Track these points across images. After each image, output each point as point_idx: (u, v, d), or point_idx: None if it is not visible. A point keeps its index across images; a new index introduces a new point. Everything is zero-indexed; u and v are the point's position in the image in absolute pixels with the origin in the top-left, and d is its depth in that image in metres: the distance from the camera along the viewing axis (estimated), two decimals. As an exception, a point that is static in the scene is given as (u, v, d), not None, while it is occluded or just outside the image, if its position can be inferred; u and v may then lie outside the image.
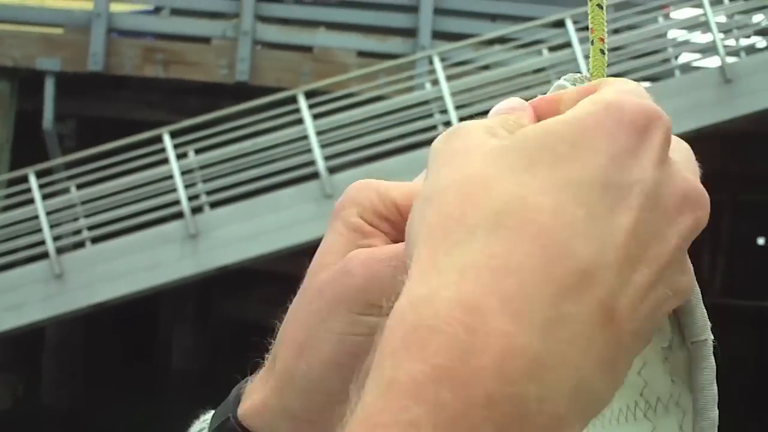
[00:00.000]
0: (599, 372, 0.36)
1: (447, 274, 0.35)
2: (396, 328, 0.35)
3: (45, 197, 8.99)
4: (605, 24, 0.52)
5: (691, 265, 0.42)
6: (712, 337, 0.49)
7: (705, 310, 0.49)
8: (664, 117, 0.40)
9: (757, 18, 10.21)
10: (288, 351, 0.56)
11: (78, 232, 9.07)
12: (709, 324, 0.49)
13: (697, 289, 0.48)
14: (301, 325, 0.55)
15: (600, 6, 0.51)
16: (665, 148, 0.39)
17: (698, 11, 9.59)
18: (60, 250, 8.89)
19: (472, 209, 0.36)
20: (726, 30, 9.81)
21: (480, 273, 0.35)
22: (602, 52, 0.51)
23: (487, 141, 0.39)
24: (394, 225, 0.54)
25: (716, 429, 0.48)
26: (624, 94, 0.40)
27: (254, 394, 0.59)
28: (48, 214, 8.90)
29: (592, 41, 0.52)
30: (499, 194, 0.36)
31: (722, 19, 9.82)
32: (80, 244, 9.02)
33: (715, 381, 0.48)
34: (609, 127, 0.38)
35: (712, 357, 0.49)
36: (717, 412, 0.47)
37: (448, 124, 8.87)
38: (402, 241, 0.48)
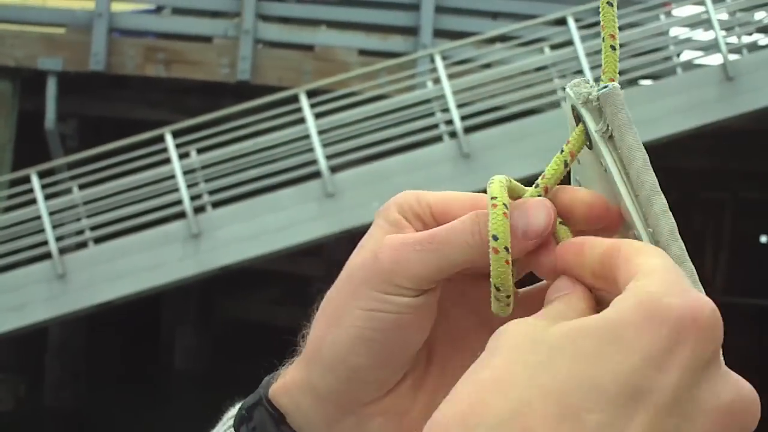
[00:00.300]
0: None
1: None
2: None
3: (47, 197, 9.00)
4: (616, 21, 0.53)
5: None
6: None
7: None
8: (702, 319, 0.39)
9: (759, 15, 10.20)
10: (317, 328, 0.60)
11: (80, 232, 9.07)
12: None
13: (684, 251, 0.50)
14: (332, 304, 0.59)
15: (610, 3, 0.52)
16: (700, 352, 0.38)
17: (700, 9, 9.58)
18: (63, 251, 8.90)
19: (480, 411, 0.38)
20: (728, 27, 9.80)
21: None
22: (613, 48, 0.52)
23: (528, 336, 0.41)
24: (425, 225, 0.58)
25: None
26: (661, 289, 0.40)
27: (285, 376, 0.63)
28: (50, 214, 8.91)
29: (603, 38, 0.53)
30: (508, 401, 0.38)
31: (724, 16, 9.81)
32: (83, 245, 9.02)
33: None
34: (637, 330, 0.38)
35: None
36: None
37: (449, 122, 8.87)
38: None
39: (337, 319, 0.58)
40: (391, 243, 0.56)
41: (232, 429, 0.66)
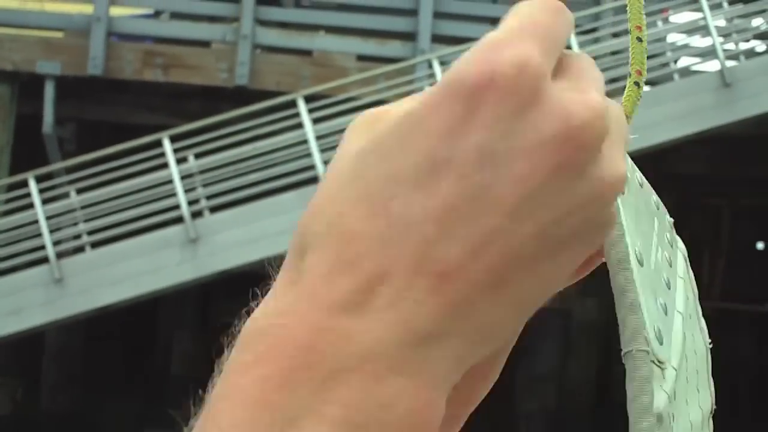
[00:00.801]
0: (437, 314, 0.36)
1: (276, 299, 0.38)
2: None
3: (45, 202, 8.99)
4: (643, 12, 0.52)
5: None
6: (646, 348, 0.48)
7: (644, 318, 0.48)
8: (501, 75, 0.36)
9: (756, 22, 10.22)
10: None
11: (78, 236, 9.07)
12: (642, 334, 0.48)
13: (631, 297, 0.48)
14: None
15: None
16: (506, 104, 0.36)
17: (697, 15, 9.60)
18: (60, 255, 8.89)
19: (306, 230, 0.40)
20: (725, 34, 9.82)
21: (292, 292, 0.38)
22: (639, 40, 0.51)
23: (353, 144, 0.40)
24: None
25: None
26: (466, 58, 0.38)
27: None
28: (48, 218, 8.90)
29: (630, 30, 0.51)
30: (326, 215, 0.39)
31: (721, 23, 9.83)
32: (80, 249, 9.02)
33: (646, 393, 0.47)
34: (433, 110, 0.37)
35: (643, 368, 0.48)
36: (650, 421, 0.46)
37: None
38: None
39: None
40: None
41: None
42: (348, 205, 0.38)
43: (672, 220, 0.57)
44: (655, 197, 0.55)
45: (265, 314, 0.38)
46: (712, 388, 0.57)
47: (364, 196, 0.37)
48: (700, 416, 0.55)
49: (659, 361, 0.49)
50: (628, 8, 0.51)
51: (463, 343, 0.37)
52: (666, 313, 0.51)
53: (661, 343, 0.50)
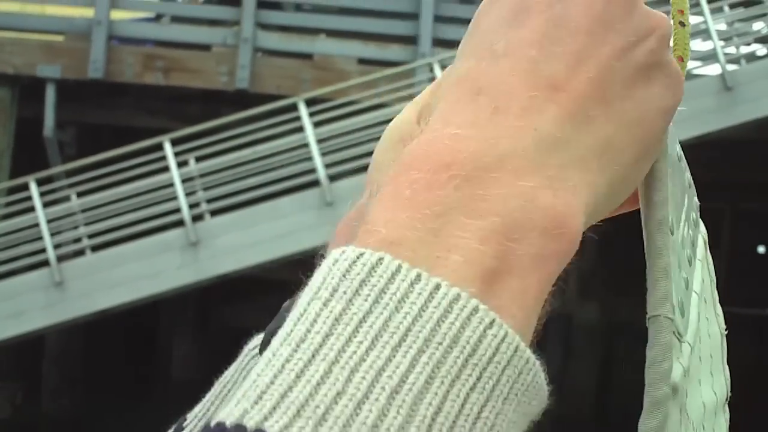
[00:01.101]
0: (559, 123, 0.43)
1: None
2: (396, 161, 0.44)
3: (45, 205, 8.99)
4: None
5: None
6: (671, 315, 0.50)
7: (672, 286, 0.50)
8: None
9: (758, 26, 10.22)
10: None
11: (78, 240, 9.07)
12: (669, 300, 0.50)
13: (666, 261, 0.50)
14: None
15: None
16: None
17: (698, 19, 9.60)
18: (60, 258, 8.89)
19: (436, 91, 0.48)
20: (726, 38, 9.83)
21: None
22: (682, 24, 0.54)
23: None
24: None
25: (662, 407, 0.48)
26: None
27: None
28: (49, 222, 8.90)
29: (672, 14, 0.54)
30: (450, 73, 0.48)
31: (722, 26, 9.83)
32: (80, 252, 9.01)
33: (667, 360, 0.49)
34: None
35: (666, 334, 0.49)
36: (665, 390, 0.48)
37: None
38: None
39: None
40: None
41: (258, 356, 0.67)
42: (463, 59, 0.47)
43: (699, 203, 0.59)
44: (688, 174, 0.57)
45: (411, 144, 0.44)
46: (728, 375, 0.58)
47: (472, 49, 0.47)
48: (714, 400, 0.55)
49: (678, 333, 0.50)
50: None
51: (587, 151, 0.44)
52: (687, 288, 0.52)
53: (682, 316, 0.51)
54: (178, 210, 8.82)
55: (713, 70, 9.58)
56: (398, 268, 0.39)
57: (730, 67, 9.39)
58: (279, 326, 0.64)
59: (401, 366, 0.37)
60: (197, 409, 0.77)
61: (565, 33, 0.45)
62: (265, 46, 10.51)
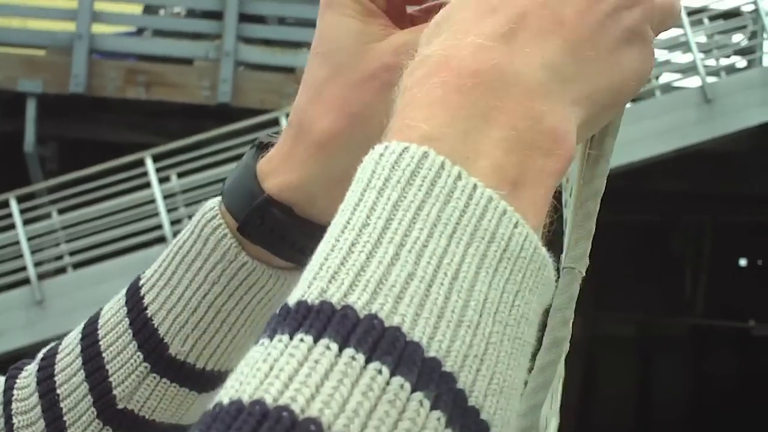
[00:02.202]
0: (562, 55, 0.48)
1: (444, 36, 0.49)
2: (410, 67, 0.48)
3: (26, 222, 8.94)
4: None
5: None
6: (583, 271, 0.57)
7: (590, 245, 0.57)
8: None
9: (737, 38, 10.30)
10: (328, 114, 0.67)
11: (59, 257, 9.01)
12: (586, 258, 0.57)
13: (592, 226, 0.57)
14: (340, 93, 0.67)
15: None
16: None
17: (678, 31, 9.66)
18: (41, 276, 8.83)
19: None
20: (706, 50, 9.89)
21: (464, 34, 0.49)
22: None
23: None
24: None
25: (560, 345, 0.55)
26: None
27: (282, 173, 0.68)
28: (29, 239, 8.85)
29: None
30: None
31: (702, 39, 9.90)
32: (62, 270, 8.96)
33: (570, 308, 0.56)
34: None
35: (576, 286, 0.57)
36: (565, 333, 0.55)
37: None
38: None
39: (352, 101, 0.66)
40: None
41: (227, 232, 0.71)
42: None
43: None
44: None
45: (426, 50, 0.48)
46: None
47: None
48: None
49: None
50: None
51: (580, 85, 0.49)
52: None
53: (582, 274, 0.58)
54: (160, 226, 8.79)
55: (693, 82, 9.64)
56: (443, 164, 0.43)
57: (710, 79, 9.45)
58: (246, 193, 0.69)
59: (456, 255, 0.41)
60: (149, 273, 0.79)
61: None
62: (247, 60, 10.51)
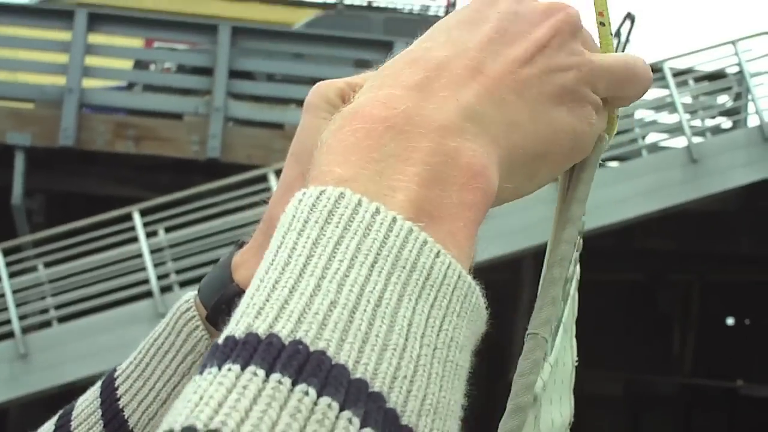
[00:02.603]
0: (479, 99, 0.51)
1: (373, 90, 0.51)
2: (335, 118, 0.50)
3: (12, 275, 8.89)
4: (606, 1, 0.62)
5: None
6: (548, 336, 0.57)
7: (556, 311, 0.57)
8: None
9: (722, 99, 10.40)
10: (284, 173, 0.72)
11: (45, 311, 8.95)
12: (551, 324, 0.58)
13: (557, 292, 0.58)
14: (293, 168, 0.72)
15: None
16: (567, 23, 0.56)
17: (664, 92, 9.76)
18: (26, 330, 8.76)
19: (406, 57, 0.54)
20: (692, 111, 9.98)
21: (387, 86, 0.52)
22: (602, 24, 0.61)
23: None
24: None
25: (522, 412, 0.56)
26: None
27: (252, 264, 0.72)
28: (14, 292, 8.79)
29: (595, 16, 0.62)
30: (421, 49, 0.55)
31: (688, 100, 10.00)
32: (47, 323, 8.90)
33: (534, 373, 0.56)
34: None
35: (539, 352, 0.57)
36: (528, 398, 0.56)
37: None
38: None
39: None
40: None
41: (199, 323, 0.75)
42: (419, 44, 0.55)
43: (581, 244, 0.64)
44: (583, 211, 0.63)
45: (348, 105, 0.51)
46: (572, 403, 0.65)
47: (430, 35, 0.55)
48: (560, 422, 0.62)
49: (546, 353, 0.58)
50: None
51: (499, 127, 0.51)
52: (560, 317, 0.60)
53: (553, 340, 0.59)
54: (146, 281, 8.75)
55: (679, 142, 9.71)
56: (360, 201, 0.45)
57: (696, 139, 9.52)
58: (218, 283, 0.74)
59: (378, 283, 0.43)
60: (124, 365, 0.82)
61: (508, 43, 0.53)
62: (236, 116, 10.55)
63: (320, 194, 0.45)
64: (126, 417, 0.78)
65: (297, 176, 0.72)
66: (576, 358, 0.65)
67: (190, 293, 0.79)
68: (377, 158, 0.47)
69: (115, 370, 0.81)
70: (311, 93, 0.72)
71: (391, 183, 0.46)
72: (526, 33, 0.54)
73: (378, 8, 16.83)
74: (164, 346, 0.78)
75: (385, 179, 0.46)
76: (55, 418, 0.84)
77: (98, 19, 10.60)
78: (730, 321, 16.87)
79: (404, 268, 0.44)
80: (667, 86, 9.58)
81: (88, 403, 0.82)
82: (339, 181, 0.46)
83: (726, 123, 10.39)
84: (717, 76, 10.18)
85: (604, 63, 0.58)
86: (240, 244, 0.79)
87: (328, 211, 0.44)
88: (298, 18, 15.37)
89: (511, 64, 0.53)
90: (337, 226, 0.44)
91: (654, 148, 9.90)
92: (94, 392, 0.83)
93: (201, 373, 0.39)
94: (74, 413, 0.81)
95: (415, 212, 0.46)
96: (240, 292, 0.70)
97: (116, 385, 0.80)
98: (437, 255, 0.45)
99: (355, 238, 0.44)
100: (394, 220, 0.45)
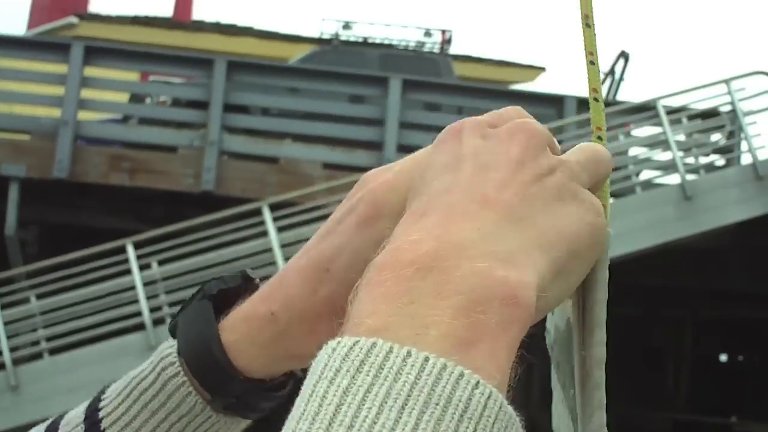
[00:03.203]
0: (495, 222, 0.53)
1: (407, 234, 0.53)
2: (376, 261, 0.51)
3: (4, 307, 8.86)
4: (599, 77, 0.63)
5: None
6: None
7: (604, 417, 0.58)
8: (468, 121, 0.61)
9: (715, 137, 10.46)
10: (305, 271, 0.72)
11: (36, 342, 8.91)
12: (603, 429, 0.58)
13: (602, 394, 0.58)
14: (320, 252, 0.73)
15: (588, 25, 0.63)
16: (477, 129, 0.60)
17: (658, 129, 9.81)
18: (17, 362, 8.72)
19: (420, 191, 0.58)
20: (685, 148, 10.03)
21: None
22: (592, 63, 0.62)
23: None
24: None
25: None
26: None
27: (243, 329, 0.73)
28: (6, 324, 8.75)
29: (589, 92, 0.63)
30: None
31: (681, 137, 10.05)
32: (38, 355, 8.85)
33: None
34: (441, 138, 0.61)
35: None
36: None
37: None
38: None
39: (330, 255, 0.71)
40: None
41: (191, 390, 0.76)
42: (413, 200, 0.57)
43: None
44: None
45: (377, 256, 0.52)
46: None
47: (416, 191, 0.58)
48: None
49: None
50: (583, 40, 0.63)
51: (526, 243, 0.53)
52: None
53: None
54: (139, 314, 8.72)
55: (673, 179, 9.75)
56: (391, 348, 0.46)
57: (690, 177, 9.56)
58: (195, 333, 0.75)
59: (408, 424, 0.43)
60: (110, 407, 0.82)
61: (491, 169, 0.56)
62: (231, 149, 10.57)
63: (354, 345, 0.46)
64: None
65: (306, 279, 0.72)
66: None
67: (170, 348, 0.81)
68: (408, 301, 0.48)
69: (99, 400, 0.81)
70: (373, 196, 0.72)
71: (425, 321, 0.47)
72: (503, 156, 0.57)
73: (373, 44, 16.95)
74: (154, 402, 0.78)
75: (419, 319, 0.47)
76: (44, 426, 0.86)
77: (94, 53, 10.65)
78: (723, 357, 16.85)
79: (437, 405, 0.44)
80: (660, 124, 9.63)
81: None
82: (371, 332, 0.47)
83: (719, 161, 10.44)
84: (710, 114, 10.24)
85: (578, 158, 0.61)
86: (211, 297, 0.79)
87: (360, 360, 0.45)
88: (294, 53, 15.46)
89: (507, 185, 0.55)
90: (368, 374, 0.45)
91: (648, 185, 9.93)
92: (78, 417, 0.82)
93: None
94: None
95: (451, 344, 0.47)
96: (233, 375, 0.73)
97: (102, 427, 0.80)
98: (476, 386, 0.45)
99: (385, 383, 0.44)
100: (426, 359, 0.45)
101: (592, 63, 0.62)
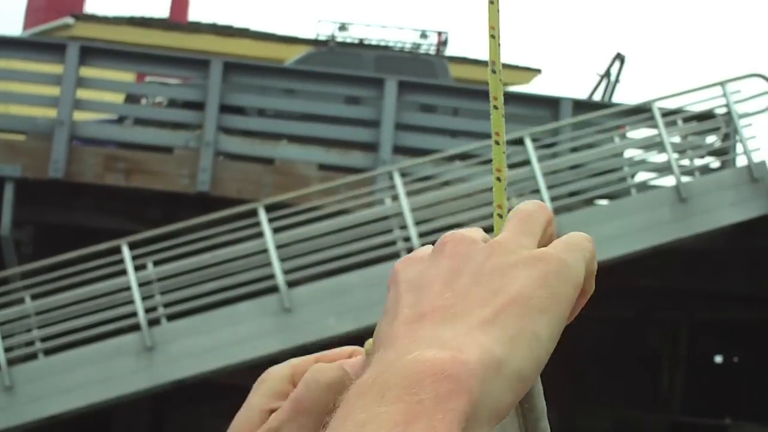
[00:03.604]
0: (431, 331, 0.56)
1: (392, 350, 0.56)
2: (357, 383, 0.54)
3: (-2, 307, 8.85)
4: (503, 156, 0.65)
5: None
6: None
7: None
8: (399, 263, 0.64)
9: (710, 139, 10.47)
10: None
11: (31, 343, 8.90)
12: None
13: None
14: None
15: (497, 143, 0.64)
16: (408, 266, 0.63)
17: (653, 132, 9.82)
18: (11, 362, 8.70)
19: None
20: (680, 150, 10.04)
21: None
22: (499, 180, 0.64)
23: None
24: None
25: None
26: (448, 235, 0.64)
27: None
28: (0, 324, 8.74)
29: (493, 171, 0.65)
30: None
31: (677, 139, 10.06)
32: (33, 356, 8.84)
33: None
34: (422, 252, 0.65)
35: None
36: None
37: (407, 239, 8.91)
38: None
39: None
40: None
41: None
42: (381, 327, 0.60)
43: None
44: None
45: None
46: None
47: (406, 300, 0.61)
48: None
49: None
50: (493, 156, 0.65)
51: (469, 329, 0.55)
52: None
53: None
54: (134, 314, 8.71)
55: (668, 181, 9.76)
56: None
57: (685, 179, 9.57)
58: None
59: None
60: None
61: (425, 289, 0.60)
62: (226, 150, 10.57)
63: None
64: None
65: None
66: None
67: None
68: (359, 413, 0.51)
69: None
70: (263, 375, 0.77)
71: (366, 422, 0.50)
72: (434, 271, 0.60)
73: (369, 46, 16.95)
74: None
75: (364, 426, 0.50)
76: None
77: (90, 53, 10.64)
78: (718, 359, 16.87)
79: None
80: (656, 126, 9.64)
81: None
82: None
83: (714, 163, 10.46)
84: (706, 116, 10.25)
85: (510, 229, 0.63)
86: None
87: None
88: (290, 54, 15.46)
89: (441, 294, 0.59)
90: None
91: (643, 187, 9.94)
92: None
93: None
94: None
95: (388, 431, 0.50)
96: None
97: None
98: None
99: None
100: None
101: (492, 36, 0.63)
